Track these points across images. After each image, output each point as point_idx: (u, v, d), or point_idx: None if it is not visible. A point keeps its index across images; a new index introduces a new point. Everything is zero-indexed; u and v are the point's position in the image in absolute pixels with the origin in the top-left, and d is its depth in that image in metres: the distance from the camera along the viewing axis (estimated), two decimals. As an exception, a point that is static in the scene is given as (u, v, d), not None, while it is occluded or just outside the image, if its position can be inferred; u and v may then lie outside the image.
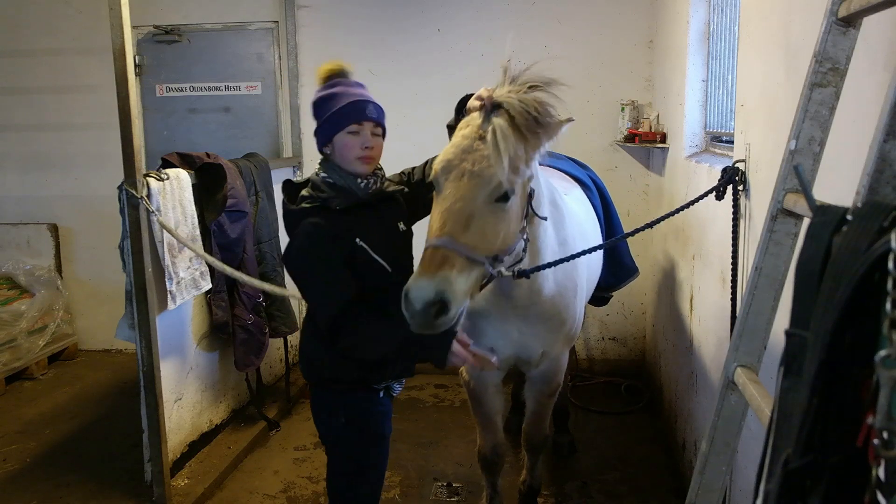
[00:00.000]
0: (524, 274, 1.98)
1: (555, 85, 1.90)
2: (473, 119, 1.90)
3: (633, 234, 2.24)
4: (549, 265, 2.14)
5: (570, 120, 1.91)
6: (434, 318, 1.69)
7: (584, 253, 2.22)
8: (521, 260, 2.02)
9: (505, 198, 1.83)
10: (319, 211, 2.01)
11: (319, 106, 2.07)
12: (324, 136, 2.06)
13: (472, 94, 2.02)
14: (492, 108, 1.85)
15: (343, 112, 2.01)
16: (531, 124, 1.82)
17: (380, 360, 2.04)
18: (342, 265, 1.97)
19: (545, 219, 2.12)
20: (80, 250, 5.43)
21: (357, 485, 2.21)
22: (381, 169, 2.14)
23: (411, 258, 2.22)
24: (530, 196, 1.98)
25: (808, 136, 1.28)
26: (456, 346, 1.91)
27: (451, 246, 1.73)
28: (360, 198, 2.04)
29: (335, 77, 2.10)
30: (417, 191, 2.23)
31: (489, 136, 1.80)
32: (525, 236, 1.98)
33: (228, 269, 3.25)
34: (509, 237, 1.89)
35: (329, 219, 1.99)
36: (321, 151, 2.10)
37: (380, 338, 1.96)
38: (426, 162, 2.27)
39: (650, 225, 2.28)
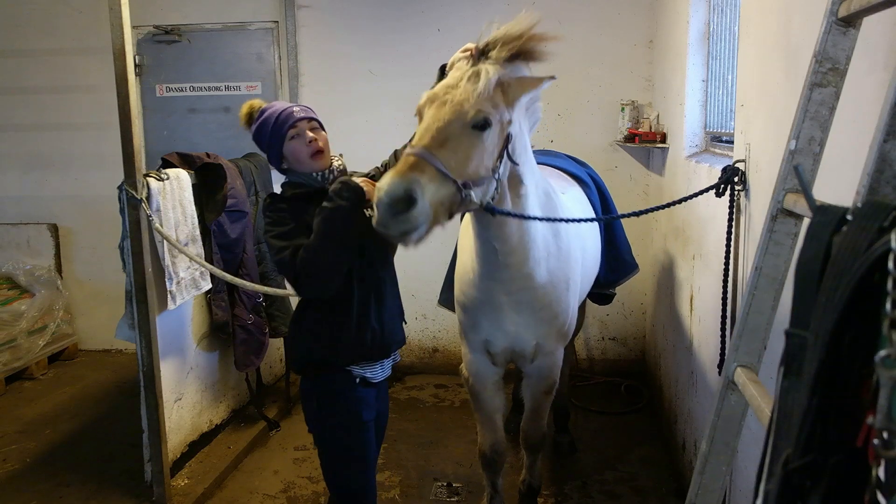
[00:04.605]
0: (491, 210, 2.05)
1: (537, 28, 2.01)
2: (462, 66, 2.02)
3: (623, 216, 2.31)
4: (527, 216, 2.24)
5: (552, 77, 2.03)
6: (401, 213, 1.73)
7: (572, 220, 2.35)
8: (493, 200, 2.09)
9: (482, 127, 1.92)
10: (285, 198, 2.19)
11: (258, 136, 2.22)
12: (275, 155, 2.22)
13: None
14: (479, 55, 1.98)
15: (276, 125, 2.17)
16: (516, 50, 1.94)
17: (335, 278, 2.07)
18: (297, 226, 2.08)
19: (517, 164, 2.16)
20: (80, 250, 5.43)
21: (342, 470, 2.28)
22: (341, 164, 2.25)
23: (381, 244, 2.21)
24: (507, 140, 2.04)
25: (808, 136, 1.29)
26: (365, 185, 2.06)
27: (424, 155, 1.81)
28: (318, 188, 2.16)
29: (257, 110, 2.25)
30: None
31: (472, 72, 1.93)
32: (497, 176, 2.02)
33: (219, 272, 3.25)
34: (481, 168, 1.95)
35: (293, 203, 2.14)
36: (280, 170, 2.25)
37: (324, 244, 2.00)
38: (394, 151, 2.34)
39: (641, 212, 2.37)
